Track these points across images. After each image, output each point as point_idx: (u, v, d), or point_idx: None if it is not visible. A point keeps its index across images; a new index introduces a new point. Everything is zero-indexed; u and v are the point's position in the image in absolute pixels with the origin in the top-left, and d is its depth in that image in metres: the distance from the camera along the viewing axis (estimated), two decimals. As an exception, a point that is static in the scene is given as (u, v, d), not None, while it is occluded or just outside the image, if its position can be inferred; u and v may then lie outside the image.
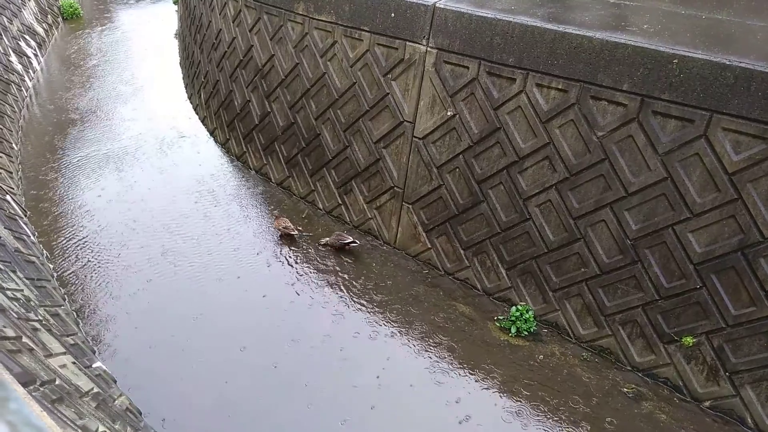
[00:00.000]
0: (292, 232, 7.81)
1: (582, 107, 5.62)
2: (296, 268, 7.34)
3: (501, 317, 6.59)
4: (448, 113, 6.61)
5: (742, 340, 5.20)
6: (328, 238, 7.72)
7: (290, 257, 7.53)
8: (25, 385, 2.97)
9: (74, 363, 4.47)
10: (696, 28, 5.57)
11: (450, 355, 6.13)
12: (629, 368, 6.03)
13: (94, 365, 5.14)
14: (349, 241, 7.55)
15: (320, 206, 8.57)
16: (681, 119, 5.09)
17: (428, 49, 6.56)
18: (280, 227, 7.86)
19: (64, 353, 4.47)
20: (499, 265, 6.74)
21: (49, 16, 15.71)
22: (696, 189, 5.15)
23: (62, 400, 3.40)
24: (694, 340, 5.49)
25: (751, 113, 4.71)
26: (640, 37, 5.28)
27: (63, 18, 16.64)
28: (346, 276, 7.23)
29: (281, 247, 7.70)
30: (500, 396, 5.70)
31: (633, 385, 5.85)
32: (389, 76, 7.02)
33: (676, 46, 5.08)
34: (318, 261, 7.46)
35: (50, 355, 4.08)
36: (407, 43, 6.72)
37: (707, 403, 5.58)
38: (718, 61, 4.80)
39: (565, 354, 6.22)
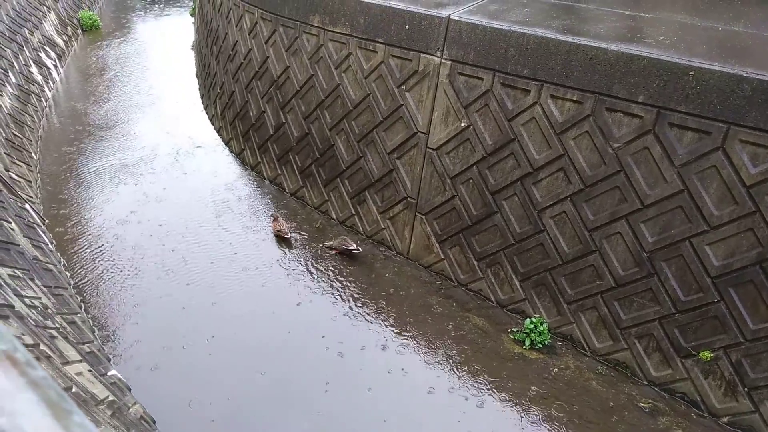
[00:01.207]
0: (286, 236, 8.03)
1: (597, 119, 5.60)
2: (311, 279, 7.36)
3: (515, 329, 6.54)
4: (462, 124, 6.62)
5: (761, 355, 5.12)
6: (333, 242, 7.84)
7: (305, 268, 7.55)
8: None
9: (90, 371, 4.51)
10: (712, 39, 5.54)
11: (463, 368, 6.09)
12: (645, 383, 5.95)
13: (109, 373, 5.18)
14: (353, 247, 7.64)
15: (334, 216, 8.60)
16: (698, 131, 5.05)
17: (442, 60, 6.59)
18: (276, 230, 8.07)
19: (81, 361, 4.51)
20: (513, 277, 6.71)
21: (68, 27, 16.00)
22: (713, 201, 5.10)
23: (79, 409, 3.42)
24: (712, 354, 5.41)
25: (769, 125, 4.67)
26: (655, 49, 5.26)
27: (82, 30, 16.94)
28: (359, 287, 7.23)
29: (295, 259, 7.73)
30: (514, 409, 5.65)
31: (649, 400, 5.77)
32: (403, 87, 7.06)
33: (692, 58, 5.05)
34: (334, 272, 7.48)
35: (67, 363, 4.13)
36: (421, 54, 6.75)
37: (725, 419, 5.49)
38: (735, 73, 4.77)
39: (580, 367, 6.16)
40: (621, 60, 5.31)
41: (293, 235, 8.15)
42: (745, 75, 4.73)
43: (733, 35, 5.68)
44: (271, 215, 8.41)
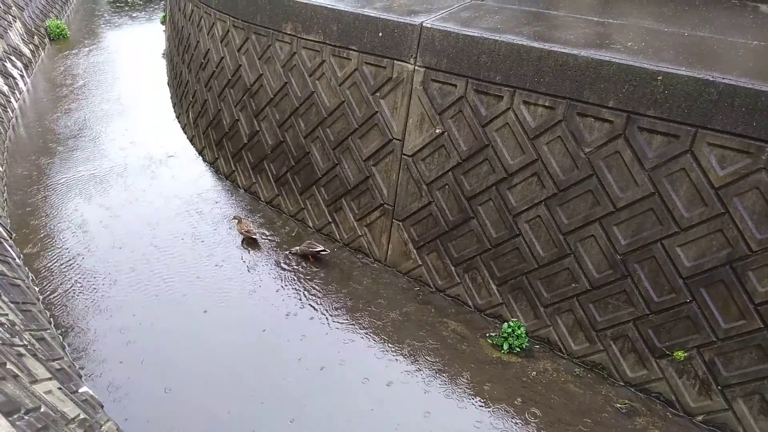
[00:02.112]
0: (254, 236, 8.09)
1: (569, 124, 5.67)
2: (285, 288, 7.28)
3: (493, 334, 6.57)
4: (437, 131, 6.64)
5: (733, 354, 5.22)
6: (297, 247, 7.83)
7: (279, 276, 7.48)
8: (8, 414, 2.90)
9: (60, 388, 4.38)
10: (679, 45, 5.66)
11: (442, 374, 6.09)
12: (622, 383, 6.01)
13: (80, 390, 5.04)
14: (320, 249, 7.68)
15: (310, 224, 8.54)
16: (666, 135, 5.15)
17: (416, 67, 6.61)
18: (243, 231, 8.10)
19: (50, 378, 4.38)
20: (490, 282, 6.73)
21: (35, 37, 15.67)
22: (683, 203, 5.19)
23: (47, 429, 3.32)
24: (686, 354, 5.50)
25: (735, 128, 4.78)
26: (624, 55, 5.36)
27: (50, 39, 16.62)
28: (337, 295, 7.18)
29: (270, 267, 7.65)
30: (493, 414, 5.66)
31: (626, 401, 5.84)
32: (378, 94, 7.06)
33: (660, 63, 5.15)
34: (309, 280, 7.42)
35: (35, 381, 4.00)
36: (395, 61, 6.76)
37: (700, 418, 5.58)
38: (702, 77, 4.87)
39: (558, 370, 6.20)
40: (591, 66, 5.39)
41: (261, 237, 8.19)
42: (711, 79, 4.84)
43: (699, 41, 5.81)
44: (234, 217, 8.40)
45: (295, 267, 7.66)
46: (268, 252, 7.97)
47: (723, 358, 5.29)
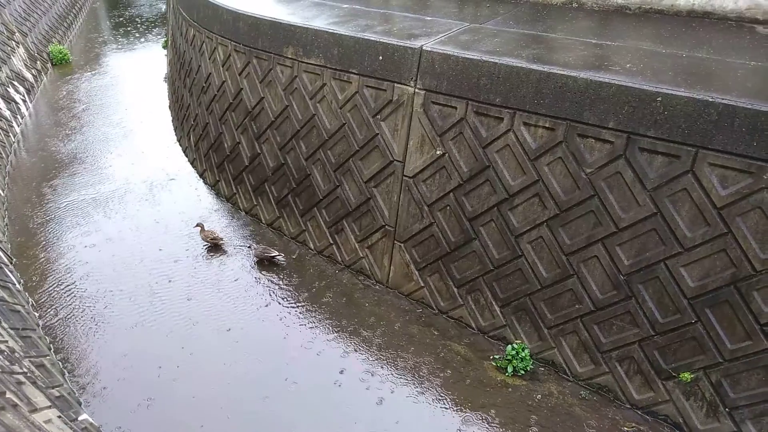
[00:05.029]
0: (220, 242, 8.31)
1: (569, 145, 5.68)
2: (287, 309, 7.24)
3: (497, 356, 6.50)
4: (438, 152, 6.66)
5: (740, 375, 5.16)
6: (256, 246, 8.09)
7: (280, 295, 7.43)
8: (8, 445, 2.85)
9: (60, 417, 4.32)
10: (677, 66, 5.70)
11: (446, 398, 6.01)
12: (628, 406, 5.94)
13: (80, 418, 4.98)
14: (275, 254, 7.96)
15: (311, 246, 8.52)
16: (667, 155, 5.15)
17: (416, 90, 6.65)
18: (208, 238, 8.26)
19: (50, 407, 4.33)
20: (493, 303, 6.69)
21: (38, 62, 15.83)
22: (686, 223, 5.18)
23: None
24: (692, 375, 5.43)
25: (736, 148, 4.78)
26: (623, 76, 5.39)
27: (52, 63, 16.78)
28: (340, 317, 7.13)
29: (271, 286, 7.60)
30: (499, 438, 5.58)
31: (633, 424, 5.75)
32: (378, 116, 7.09)
33: (659, 84, 5.18)
34: (313, 302, 7.37)
35: (35, 410, 3.95)
36: (395, 84, 6.81)
37: (709, 441, 5.49)
38: (701, 98, 4.90)
39: (563, 393, 6.13)
40: (591, 87, 5.42)
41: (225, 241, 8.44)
42: (710, 100, 4.86)
43: (697, 62, 5.85)
44: (197, 224, 8.48)
45: (294, 287, 7.62)
46: (226, 250, 8.05)
47: (730, 380, 5.22)
